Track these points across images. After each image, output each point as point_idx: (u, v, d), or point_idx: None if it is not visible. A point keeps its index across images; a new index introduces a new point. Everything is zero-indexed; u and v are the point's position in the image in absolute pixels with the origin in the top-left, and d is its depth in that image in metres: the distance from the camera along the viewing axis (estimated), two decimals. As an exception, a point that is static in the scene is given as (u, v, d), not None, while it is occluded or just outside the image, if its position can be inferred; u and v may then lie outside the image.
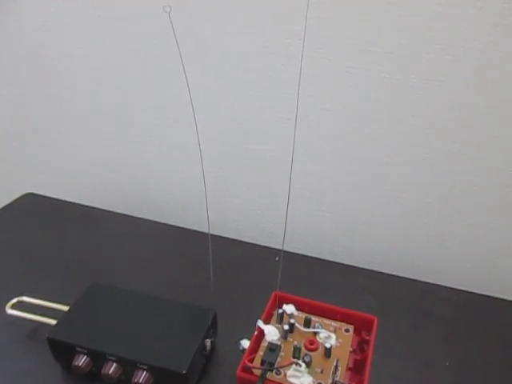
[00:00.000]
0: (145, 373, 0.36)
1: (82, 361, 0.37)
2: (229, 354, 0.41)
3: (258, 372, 0.34)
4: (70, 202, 0.65)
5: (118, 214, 0.63)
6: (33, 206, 0.65)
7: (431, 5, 0.45)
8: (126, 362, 0.37)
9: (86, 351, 0.37)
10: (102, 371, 0.37)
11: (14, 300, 0.44)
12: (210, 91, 0.58)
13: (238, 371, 0.34)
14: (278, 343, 0.36)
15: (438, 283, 0.52)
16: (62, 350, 0.39)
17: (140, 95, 0.62)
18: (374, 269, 0.54)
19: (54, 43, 0.63)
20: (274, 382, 0.34)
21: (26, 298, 0.45)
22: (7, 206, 0.65)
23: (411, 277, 0.53)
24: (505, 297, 0.50)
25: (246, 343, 0.37)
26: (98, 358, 0.37)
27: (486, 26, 0.44)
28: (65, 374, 0.40)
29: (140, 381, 0.36)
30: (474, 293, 0.51)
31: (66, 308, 0.42)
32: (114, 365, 0.37)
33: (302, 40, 0.48)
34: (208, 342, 0.39)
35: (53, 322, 0.41)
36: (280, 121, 0.57)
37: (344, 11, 0.48)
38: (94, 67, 0.63)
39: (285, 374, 0.35)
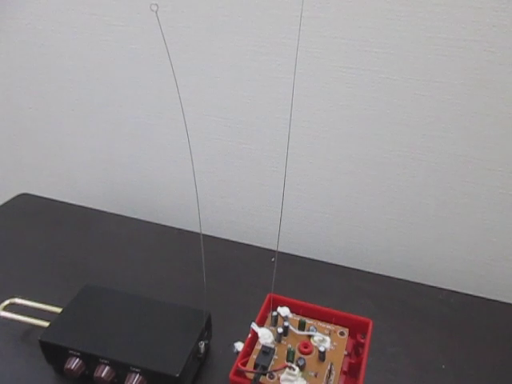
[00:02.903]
0: (138, 376, 0.36)
1: (74, 364, 0.37)
2: (223, 357, 0.41)
3: (251, 376, 0.34)
4: (64, 202, 0.65)
5: (112, 214, 0.63)
6: (27, 206, 0.65)
7: (429, 5, 0.45)
8: (119, 365, 0.36)
9: (78, 354, 0.37)
10: (95, 374, 0.36)
11: (6, 302, 0.44)
12: (205, 91, 0.57)
13: (231, 375, 0.34)
14: (272, 346, 0.36)
15: (436, 285, 0.51)
16: (54, 353, 0.38)
17: (134, 95, 0.62)
18: (371, 270, 0.53)
19: (47, 42, 0.62)
20: None
21: (18, 300, 0.44)
22: (1, 206, 0.64)
23: (408, 279, 0.52)
24: (502, 299, 0.50)
25: (240, 346, 0.37)
26: (90, 361, 0.37)
27: (484, 26, 0.44)
28: (57, 377, 0.40)
29: (133, 384, 0.35)
30: (471, 295, 0.50)
31: (58, 310, 0.42)
32: (107, 368, 0.36)
33: (297, 40, 0.47)
34: (202, 345, 0.39)
35: (45, 324, 0.40)
36: (275, 121, 0.56)
37: (340, 10, 0.48)
38: (89, 67, 0.62)
39: (278, 378, 0.34)
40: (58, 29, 0.61)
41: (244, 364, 0.35)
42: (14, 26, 0.63)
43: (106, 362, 0.36)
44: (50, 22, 0.61)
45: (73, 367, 0.37)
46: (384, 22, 0.47)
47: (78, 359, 0.37)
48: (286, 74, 0.53)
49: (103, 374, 0.36)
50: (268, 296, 0.40)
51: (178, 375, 0.35)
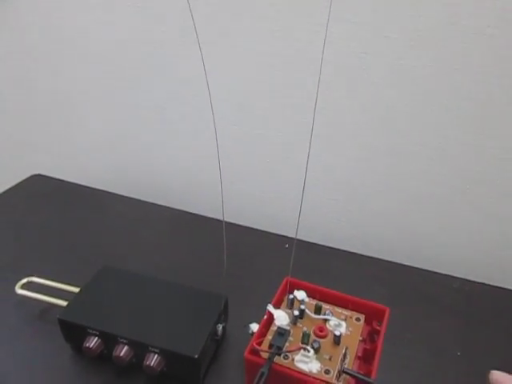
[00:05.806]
0: (156, 356, 0.36)
1: (93, 342, 0.37)
2: (239, 340, 0.41)
3: (265, 355, 0.34)
4: (77, 184, 0.65)
5: (125, 196, 0.63)
6: (41, 188, 0.65)
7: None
8: (138, 345, 0.36)
9: (97, 333, 0.37)
10: (114, 353, 0.37)
11: (24, 280, 0.44)
12: (222, 76, 0.57)
13: (246, 353, 0.34)
14: (287, 328, 0.36)
15: (450, 274, 0.51)
16: (72, 332, 0.39)
17: (151, 77, 0.61)
18: (386, 258, 0.53)
19: (63, 22, 0.62)
20: (281, 365, 0.34)
21: (35, 279, 0.45)
22: (15, 186, 0.64)
23: (423, 267, 0.52)
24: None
25: (254, 327, 0.37)
26: (109, 341, 0.37)
27: (508, 13, 0.43)
28: (74, 356, 0.40)
29: (151, 364, 0.36)
30: (486, 284, 0.51)
31: (75, 289, 0.42)
32: (126, 347, 0.37)
33: (323, 25, 0.47)
34: (219, 327, 0.39)
35: (62, 303, 0.41)
36: (295, 108, 0.56)
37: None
38: (102, 48, 0.62)
39: (292, 359, 0.34)
40: (75, 8, 0.60)
41: (259, 344, 0.35)
42: (26, 7, 0.62)
43: (124, 341, 0.37)
44: (62, 2, 0.60)
45: (91, 346, 0.37)
46: (405, 9, 0.46)
47: (96, 338, 0.37)
48: (310, 60, 0.52)
49: (122, 353, 0.36)
50: (285, 279, 0.40)
51: (196, 356, 0.35)
